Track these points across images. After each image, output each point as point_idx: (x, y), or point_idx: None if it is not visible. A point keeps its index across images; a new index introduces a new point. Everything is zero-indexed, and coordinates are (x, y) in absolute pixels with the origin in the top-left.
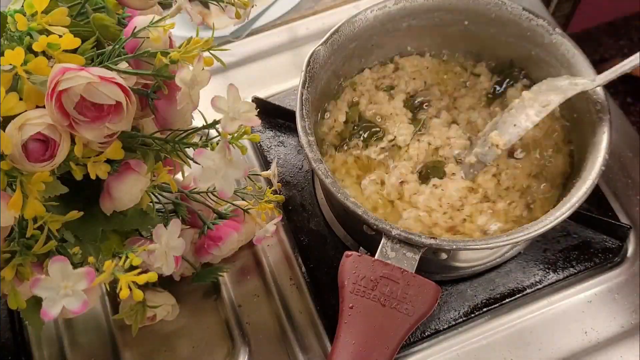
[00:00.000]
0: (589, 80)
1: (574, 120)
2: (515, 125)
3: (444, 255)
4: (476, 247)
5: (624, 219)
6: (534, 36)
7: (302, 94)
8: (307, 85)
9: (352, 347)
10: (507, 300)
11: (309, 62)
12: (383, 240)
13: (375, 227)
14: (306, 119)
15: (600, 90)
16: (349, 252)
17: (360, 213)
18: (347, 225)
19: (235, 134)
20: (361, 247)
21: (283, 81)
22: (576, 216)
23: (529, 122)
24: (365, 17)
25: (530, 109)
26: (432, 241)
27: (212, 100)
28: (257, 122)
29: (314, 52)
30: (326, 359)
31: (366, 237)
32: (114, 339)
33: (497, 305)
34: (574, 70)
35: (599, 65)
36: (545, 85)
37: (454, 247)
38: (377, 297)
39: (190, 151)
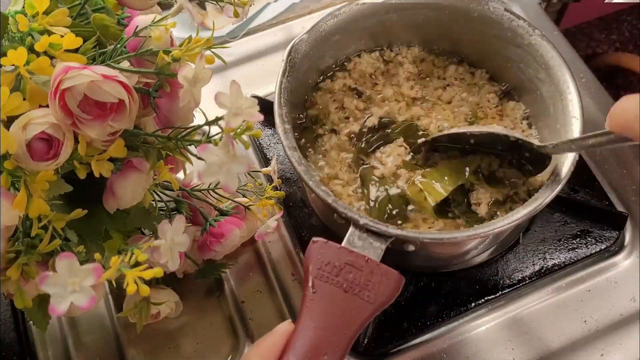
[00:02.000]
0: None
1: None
2: None
3: (411, 247)
4: (443, 239)
5: (620, 208)
6: (514, 37)
7: (281, 82)
8: (287, 74)
9: (312, 330)
10: (506, 290)
11: (289, 51)
12: (351, 229)
13: (344, 215)
14: (284, 107)
15: (574, 92)
16: (316, 239)
17: (330, 201)
18: (324, 215)
19: (238, 130)
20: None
21: None
22: (573, 206)
23: None
24: (348, 10)
25: None
26: (399, 232)
27: (215, 96)
28: (260, 117)
29: (295, 42)
30: None
31: (335, 224)
32: (118, 337)
33: (497, 295)
34: (552, 71)
35: (591, 60)
36: None
37: (420, 238)
38: (339, 283)
39: (192, 149)
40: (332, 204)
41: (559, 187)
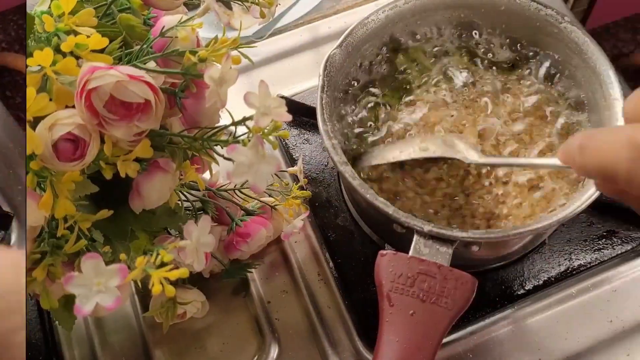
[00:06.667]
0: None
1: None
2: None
3: (475, 248)
4: (508, 236)
5: None
6: (543, 26)
7: (321, 98)
8: (325, 89)
9: (396, 344)
10: (532, 290)
11: (325, 66)
12: (415, 237)
13: (406, 224)
14: (328, 123)
15: (612, 74)
16: (384, 252)
17: (391, 212)
18: (373, 223)
19: (266, 129)
20: (387, 244)
21: (306, 80)
22: (599, 206)
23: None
24: (377, 18)
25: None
26: (465, 234)
27: (244, 95)
28: (288, 117)
29: (329, 56)
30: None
31: (393, 233)
32: (144, 337)
33: (523, 295)
34: (586, 57)
35: (618, 60)
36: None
37: (486, 238)
38: (416, 293)
39: (218, 149)
40: (393, 215)
41: None
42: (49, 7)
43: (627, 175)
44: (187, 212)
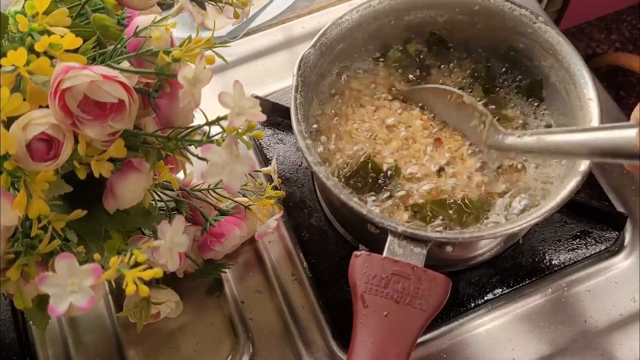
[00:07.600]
0: None
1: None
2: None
3: (449, 248)
4: (482, 236)
5: (620, 209)
6: (518, 25)
7: (295, 99)
8: (299, 89)
9: (370, 345)
10: (506, 290)
11: (299, 66)
12: (390, 238)
13: (380, 225)
14: (302, 123)
15: (587, 74)
16: (358, 252)
17: (365, 213)
18: (347, 223)
19: (240, 129)
20: (361, 245)
21: (280, 80)
22: (574, 206)
23: None
24: (351, 18)
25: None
26: (438, 235)
27: (219, 96)
28: (263, 117)
29: (303, 56)
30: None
31: (367, 234)
32: (118, 337)
33: (497, 295)
34: (560, 57)
35: (591, 60)
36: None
37: (460, 238)
38: (390, 294)
39: (192, 149)
40: (367, 215)
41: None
42: (23, 7)
43: None
44: (161, 212)
